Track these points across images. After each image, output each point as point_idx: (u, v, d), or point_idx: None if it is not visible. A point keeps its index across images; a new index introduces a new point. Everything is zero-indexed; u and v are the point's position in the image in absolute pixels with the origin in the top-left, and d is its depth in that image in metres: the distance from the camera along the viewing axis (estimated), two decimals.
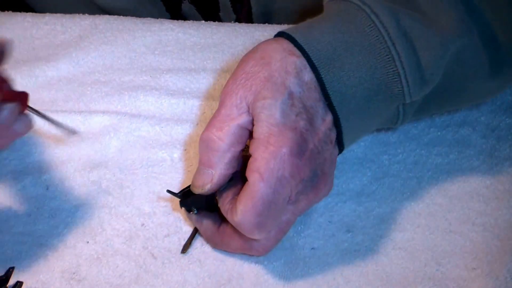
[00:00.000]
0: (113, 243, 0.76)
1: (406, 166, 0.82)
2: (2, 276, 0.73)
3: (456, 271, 0.74)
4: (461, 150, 0.83)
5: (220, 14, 1.00)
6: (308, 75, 0.72)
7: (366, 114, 0.74)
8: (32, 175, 0.81)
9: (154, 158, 0.83)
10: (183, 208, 0.76)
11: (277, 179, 0.69)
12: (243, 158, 0.73)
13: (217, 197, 0.73)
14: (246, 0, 0.98)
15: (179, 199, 0.75)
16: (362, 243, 0.76)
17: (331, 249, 0.75)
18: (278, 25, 0.95)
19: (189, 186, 0.74)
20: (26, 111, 0.73)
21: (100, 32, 0.94)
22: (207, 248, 0.76)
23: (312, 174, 0.71)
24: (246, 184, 0.70)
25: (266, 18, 0.98)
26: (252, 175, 0.69)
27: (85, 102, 0.87)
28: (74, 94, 0.88)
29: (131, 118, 0.85)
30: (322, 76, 0.71)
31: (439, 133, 0.84)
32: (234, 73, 0.73)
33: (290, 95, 0.71)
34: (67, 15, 0.96)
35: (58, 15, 0.96)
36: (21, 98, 0.72)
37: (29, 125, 0.72)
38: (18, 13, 0.96)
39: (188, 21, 0.96)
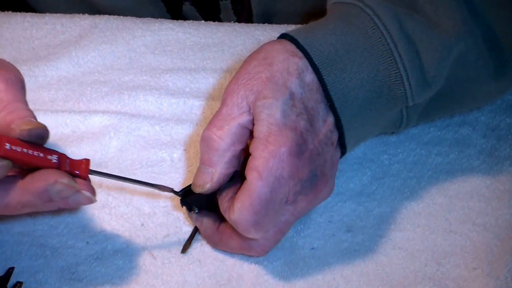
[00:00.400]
0: (113, 243, 0.76)
1: (406, 166, 0.81)
2: (2, 276, 0.72)
3: (456, 271, 0.74)
4: (461, 149, 0.83)
5: (221, 16, 1.00)
6: (309, 76, 0.72)
7: (368, 116, 0.74)
8: None
9: (154, 158, 0.83)
10: (183, 208, 0.76)
11: (275, 178, 0.69)
12: (244, 157, 0.73)
13: (217, 201, 0.73)
14: (246, 2, 0.98)
15: (179, 198, 0.75)
16: (362, 243, 0.76)
17: (331, 249, 0.75)
18: (278, 25, 0.95)
19: (190, 185, 0.74)
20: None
21: (100, 31, 0.94)
22: (207, 248, 0.76)
23: (311, 175, 0.71)
24: (244, 182, 0.70)
25: (267, 20, 0.98)
26: (251, 173, 0.69)
27: (85, 102, 0.87)
28: (74, 94, 0.88)
29: (131, 118, 0.85)
30: (324, 77, 0.72)
31: (439, 132, 0.84)
32: (237, 73, 0.73)
33: (291, 95, 0.71)
34: (67, 15, 0.96)
35: (58, 15, 0.96)
36: (80, 165, 0.71)
37: (87, 199, 0.70)
38: (18, 13, 0.96)
39: (188, 21, 0.96)
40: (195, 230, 0.77)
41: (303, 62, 0.72)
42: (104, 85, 0.89)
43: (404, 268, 0.74)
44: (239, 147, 0.72)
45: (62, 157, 0.69)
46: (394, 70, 0.73)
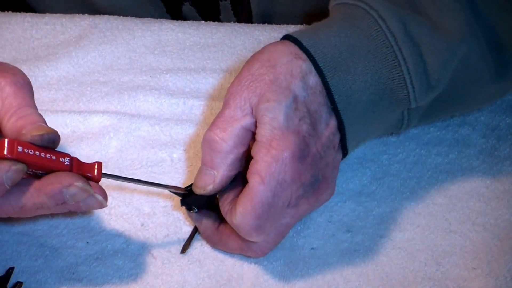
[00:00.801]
0: (112, 243, 0.76)
1: (405, 166, 0.81)
2: (2, 276, 0.72)
3: (456, 271, 0.74)
4: (461, 149, 0.83)
5: (221, 16, 1.00)
6: (313, 79, 0.71)
7: (370, 118, 0.73)
8: None
9: (154, 158, 0.83)
10: (183, 207, 0.76)
11: (277, 183, 0.69)
12: (246, 160, 0.73)
13: (217, 197, 0.73)
14: (246, 2, 0.98)
15: (179, 198, 0.75)
16: (361, 243, 0.76)
17: (330, 249, 0.75)
18: (278, 26, 0.95)
19: (190, 185, 0.74)
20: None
21: (100, 32, 0.94)
22: (207, 248, 0.76)
23: (313, 179, 0.71)
24: (246, 186, 0.70)
25: (266, 21, 0.98)
26: (253, 177, 0.69)
27: (84, 102, 0.87)
28: (73, 94, 0.88)
29: (130, 118, 0.85)
30: (328, 80, 0.71)
31: (438, 132, 0.84)
32: (240, 74, 0.73)
33: (295, 98, 0.70)
34: (67, 15, 0.96)
35: (58, 15, 0.96)
36: (93, 168, 0.71)
37: (99, 203, 0.70)
38: (18, 13, 0.96)
39: (188, 21, 0.96)
40: (195, 230, 0.77)
41: (306, 65, 0.72)
42: (104, 85, 0.89)
43: (404, 268, 0.74)
44: (241, 149, 0.71)
45: (73, 160, 0.69)
46: (398, 73, 0.72)
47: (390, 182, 0.80)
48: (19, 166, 0.66)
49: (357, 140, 0.75)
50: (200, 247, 0.76)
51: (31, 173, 0.68)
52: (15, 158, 0.65)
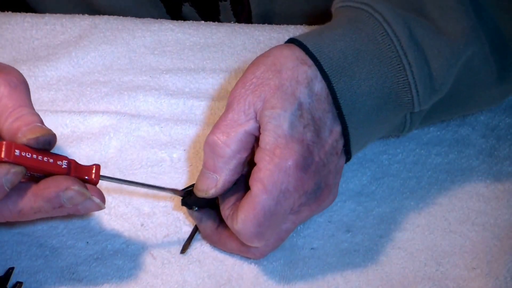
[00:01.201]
0: (112, 243, 0.76)
1: (405, 166, 0.81)
2: (2, 276, 0.73)
3: (456, 271, 0.74)
4: (461, 149, 0.83)
5: (220, 17, 1.00)
6: (318, 85, 0.71)
7: (374, 123, 0.73)
8: None
9: (154, 158, 0.83)
10: (183, 206, 0.76)
11: (280, 192, 0.69)
12: (249, 163, 0.73)
13: (218, 201, 0.73)
14: (246, 3, 0.98)
15: (180, 198, 0.75)
16: (361, 243, 0.76)
17: (330, 249, 0.75)
18: (278, 26, 0.95)
19: (191, 185, 0.74)
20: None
21: (100, 32, 0.94)
22: (207, 248, 0.76)
23: (316, 187, 0.71)
24: (248, 192, 0.69)
25: (266, 21, 0.98)
26: (256, 185, 0.69)
27: (84, 102, 0.87)
28: (73, 94, 0.88)
29: (130, 118, 0.85)
30: (334, 85, 0.71)
31: (438, 133, 0.84)
32: (244, 76, 0.72)
33: (300, 105, 0.70)
34: (67, 15, 0.96)
35: (58, 15, 0.96)
36: (90, 171, 0.71)
37: (97, 206, 0.70)
38: (18, 14, 0.96)
39: (188, 21, 0.96)
40: (195, 230, 0.77)
41: (312, 71, 0.71)
42: (104, 85, 0.89)
43: (404, 268, 0.74)
44: (244, 154, 0.71)
45: (71, 162, 0.69)
46: (403, 78, 0.72)
47: (390, 182, 0.80)
48: (18, 169, 0.66)
49: (360, 144, 0.74)
50: (200, 247, 0.76)
51: (29, 175, 0.68)
52: (12, 161, 0.65)
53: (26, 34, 0.94)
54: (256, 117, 0.70)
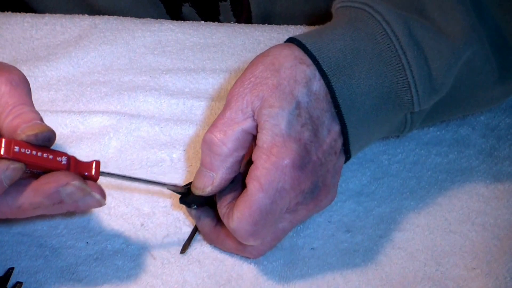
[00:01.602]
0: (112, 244, 0.76)
1: (405, 166, 0.81)
2: (2, 277, 0.72)
3: (456, 271, 0.74)
4: (461, 149, 0.83)
5: (220, 17, 1.00)
6: (317, 84, 0.71)
7: (374, 122, 0.73)
8: None
9: (154, 158, 0.83)
10: (182, 204, 0.76)
11: (276, 191, 0.69)
12: (246, 162, 0.73)
13: (216, 199, 0.73)
14: (246, 4, 0.98)
15: (179, 196, 0.75)
16: (361, 243, 0.76)
17: (330, 249, 0.75)
18: (278, 26, 0.95)
19: (190, 183, 0.74)
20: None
21: (100, 32, 0.94)
22: (207, 249, 0.76)
23: (313, 186, 0.71)
24: (244, 191, 0.70)
25: (266, 22, 0.98)
26: (252, 183, 0.69)
27: (84, 102, 0.87)
28: (73, 94, 0.88)
29: (130, 119, 0.85)
30: (333, 84, 0.71)
31: (438, 133, 0.84)
32: (242, 75, 0.72)
33: (298, 104, 0.70)
34: (67, 16, 0.96)
35: (58, 15, 0.96)
36: (92, 168, 0.71)
37: (97, 201, 0.69)
38: (18, 14, 0.96)
39: (188, 22, 0.96)
40: (195, 230, 0.77)
41: (310, 70, 0.71)
42: (104, 85, 0.89)
43: (404, 268, 0.74)
44: (241, 152, 0.71)
45: (71, 159, 0.69)
46: (402, 77, 0.72)
47: (390, 182, 0.80)
48: (17, 165, 0.66)
49: (359, 144, 0.74)
50: (199, 247, 0.76)
51: (28, 172, 0.68)
52: (12, 158, 0.66)
53: (26, 34, 0.94)
54: (254, 116, 0.71)
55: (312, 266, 0.74)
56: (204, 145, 0.72)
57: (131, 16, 0.96)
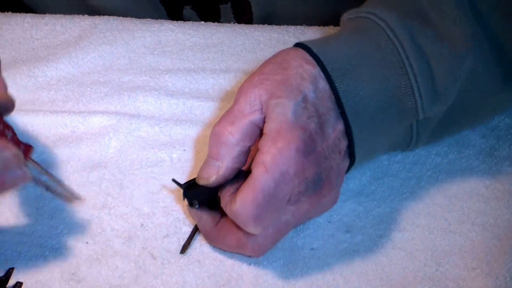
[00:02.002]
0: (112, 244, 0.76)
1: (405, 166, 0.82)
2: (2, 277, 0.73)
3: (456, 271, 0.74)
4: (461, 149, 0.83)
5: (221, 20, 1.00)
6: (322, 83, 0.73)
7: (379, 128, 0.74)
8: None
9: (154, 158, 0.83)
10: (184, 201, 0.75)
11: (280, 174, 0.69)
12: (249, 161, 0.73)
13: (219, 196, 0.73)
14: (247, 7, 0.98)
15: (182, 193, 0.75)
16: (361, 243, 0.76)
17: (330, 249, 0.75)
18: (278, 26, 0.96)
19: (193, 179, 0.74)
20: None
21: (100, 32, 0.94)
22: (206, 249, 0.76)
23: (316, 177, 0.71)
24: (249, 176, 0.70)
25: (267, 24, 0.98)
26: (257, 167, 0.70)
27: (84, 102, 0.87)
28: (73, 94, 0.88)
29: (130, 119, 0.85)
30: (336, 84, 0.72)
31: None
32: (252, 74, 0.74)
33: (304, 98, 0.71)
34: (67, 16, 0.96)
35: (58, 15, 0.96)
36: (24, 149, 0.72)
37: (24, 177, 0.68)
38: (18, 14, 0.97)
39: (188, 22, 0.96)
40: (195, 230, 0.77)
41: (316, 70, 0.73)
42: (104, 85, 0.89)
43: (404, 268, 0.74)
44: (248, 143, 0.72)
45: (14, 135, 0.70)
46: (405, 81, 0.73)
47: (389, 182, 0.80)
48: None
49: (364, 150, 0.75)
50: (199, 247, 0.76)
51: None
52: None
53: (26, 35, 0.94)
54: (262, 109, 0.72)
55: (312, 267, 0.74)
56: (212, 137, 0.72)
57: None
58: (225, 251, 0.75)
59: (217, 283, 0.73)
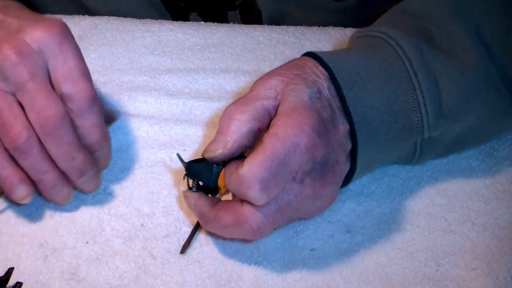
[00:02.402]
0: (112, 244, 0.76)
1: (405, 166, 0.82)
2: (2, 277, 0.73)
3: (456, 271, 0.74)
4: None
5: None
6: (332, 89, 0.74)
7: (383, 141, 0.75)
8: None
9: (153, 158, 0.83)
10: (183, 186, 0.75)
11: (292, 144, 0.70)
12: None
13: (219, 185, 0.74)
14: (257, 14, 0.99)
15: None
16: (361, 243, 0.76)
17: (330, 249, 0.75)
18: (278, 27, 0.96)
19: (197, 159, 0.75)
20: None
21: (100, 32, 0.94)
22: (207, 249, 0.76)
23: (324, 160, 0.72)
24: (260, 145, 0.71)
25: None
26: (269, 137, 0.71)
27: None
28: None
29: (130, 118, 0.85)
30: (344, 93, 0.74)
31: None
32: (268, 72, 0.76)
33: (319, 90, 0.73)
34: (67, 16, 0.96)
35: (58, 16, 0.96)
36: None
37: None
38: None
39: (188, 22, 0.96)
40: (195, 230, 0.77)
41: (325, 77, 0.75)
42: (104, 85, 0.89)
43: (404, 268, 0.74)
44: (258, 123, 0.73)
45: None
46: (412, 96, 0.75)
47: (389, 182, 0.80)
48: None
49: (366, 160, 0.75)
50: (199, 247, 0.76)
51: None
52: None
53: None
54: (276, 97, 0.73)
55: (311, 267, 0.74)
56: (223, 117, 0.73)
57: None
58: (221, 237, 0.75)
59: (217, 283, 0.73)
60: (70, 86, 0.74)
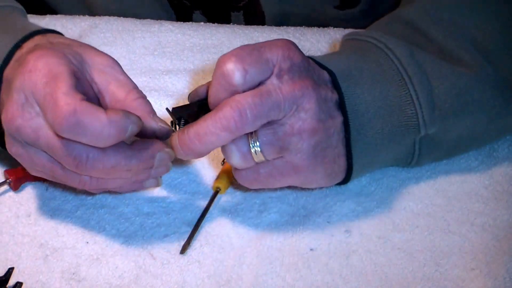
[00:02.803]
0: (112, 244, 0.76)
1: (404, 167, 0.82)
2: (2, 277, 0.73)
3: (455, 272, 0.74)
4: None
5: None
6: (329, 83, 0.75)
7: (380, 137, 0.75)
8: None
9: None
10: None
11: (268, 43, 0.72)
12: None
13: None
14: (260, 15, 0.99)
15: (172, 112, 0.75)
16: (360, 243, 0.76)
17: (329, 250, 0.75)
18: (277, 27, 0.96)
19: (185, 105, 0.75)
20: None
21: (100, 33, 0.94)
22: (206, 249, 0.76)
23: (302, 65, 0.73)
24: None
25: None
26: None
27: None
28: None
29: None
30: (340, 83, 0.75)
31: None
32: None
33: (319, 76, 0.74)
34: (67, 16, 0.96)
35: (58, 16, 0.96)
36: None
37: (167, 170, 0.75)
38: None
39: (188, 23, 0.97)
40: (195, 230, 0.77)
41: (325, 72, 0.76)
42: None
43: (403, 268, 0.74)
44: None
45: None
46: (405, 91, 0.76)
47: (389, 183, 0.81)
48: (140, 123, 0.71)
49: (365, 154, 0.76)
50: (199, 247, 0.76)
51: None
52: None
53: None
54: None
55: (311, 267, 0.74)
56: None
57: None
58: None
59: (217, 283, 0.73)
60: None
